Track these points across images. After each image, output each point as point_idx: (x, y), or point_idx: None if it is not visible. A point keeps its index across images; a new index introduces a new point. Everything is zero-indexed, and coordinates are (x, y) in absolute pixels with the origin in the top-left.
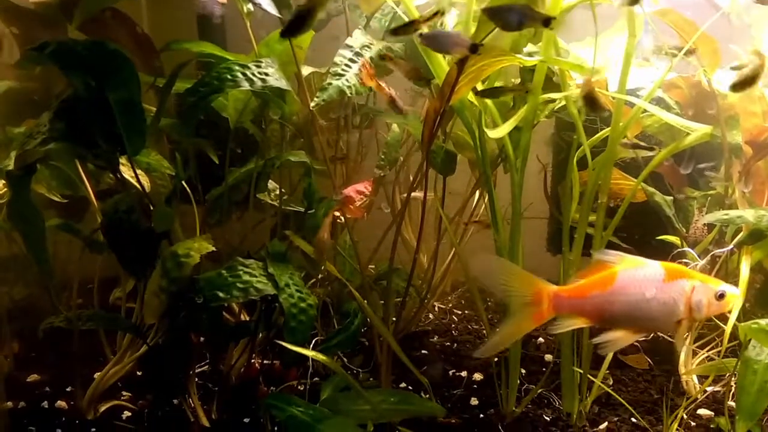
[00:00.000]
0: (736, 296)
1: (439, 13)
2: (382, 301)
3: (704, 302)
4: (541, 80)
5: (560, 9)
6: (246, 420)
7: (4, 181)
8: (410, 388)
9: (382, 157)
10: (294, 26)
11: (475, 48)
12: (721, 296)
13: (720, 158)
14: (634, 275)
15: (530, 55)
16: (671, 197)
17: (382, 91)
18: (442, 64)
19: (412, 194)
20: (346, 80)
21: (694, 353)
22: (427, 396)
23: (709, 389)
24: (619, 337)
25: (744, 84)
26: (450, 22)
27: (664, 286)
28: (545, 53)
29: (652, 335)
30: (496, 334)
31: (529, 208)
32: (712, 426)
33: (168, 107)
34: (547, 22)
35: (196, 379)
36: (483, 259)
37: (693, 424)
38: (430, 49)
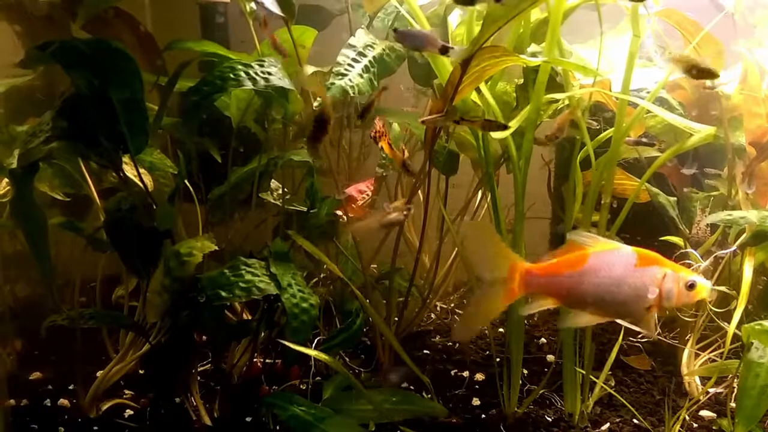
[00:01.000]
0: (706, 288)
1: None
2: (384, 301)
3: (674, 291)
4: (544, 80)
5: (564, 9)
6: (248, 419)
7: (7, 180)
8: (412, 387)
9: (384, 156)
10: (317, 134)
11: (445, 50)
12: (691, 286)
13: (723, 159)
14: (606, 257)
15: (534, 55)
16: (674, 198)
17: (393, 155)
18: (445, 64)
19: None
20: (349, 80)
21: (697, 355)
22: (429, 396)
23: (712, 391)
24: (584, 322)
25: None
26: (454, 21)
27: (635, 271)
28: (548, 53)
29: (655, 336)
30: (467, 315)
31: (531, 208)
32: (714, 428)
33: (171, 106)
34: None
35: (199, 378)
36: (473, 225)
37: (695, 425)
38: (404, 46)
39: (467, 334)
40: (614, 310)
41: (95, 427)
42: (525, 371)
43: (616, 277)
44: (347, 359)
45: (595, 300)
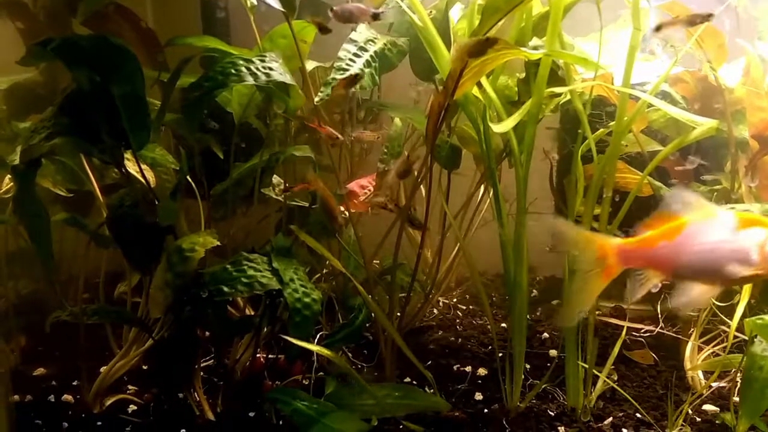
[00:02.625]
0: None
1: None
2: (387, 296)
3: None
4: (545, 74)
5: (565, 2)
6: (251, 414)
7: (9, 176)
8: (414, 382)
9: (385, 151)
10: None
11: (376, 16)
12: None
13: (726, 153)
14: (704, 224)
15: (535, 48)
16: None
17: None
18: (446, 58)
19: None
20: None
21: (700, 349)
22: (432, 391)
23: (715, 385)
24: (696, 296)
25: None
26: (455, 16)
27: (736, 235)
28: (550, 47)
29: (656, 331)
30: (571, 298)
31: (533, 202)
32: (717, 422)
33: (173, 102)
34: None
35: (202, 373)
36: (543, 220)
37: (698, 419)
38: (338, 22)
39: (572, 319)
40: (717, 277)
41: (99, 423)
42: (528, 366)
43: (714, 243)
44: (350, 355)
45: (695, 269)
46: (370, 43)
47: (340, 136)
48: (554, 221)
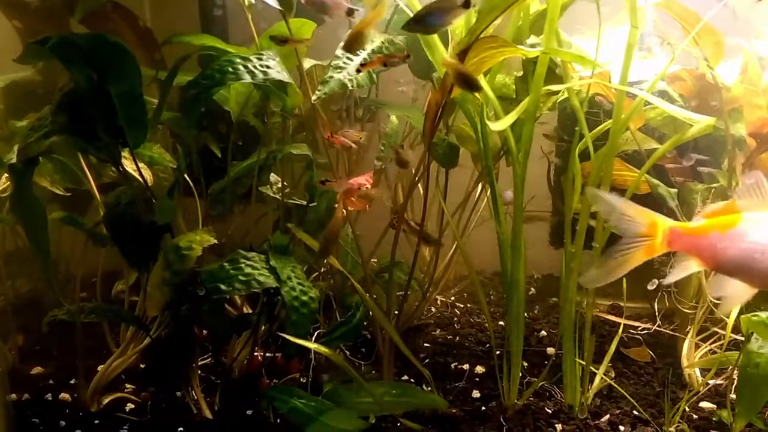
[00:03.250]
0: None
1: None
2: (385, 294)
3: None
4: (543, 72)
5: (562, 0)
6: (248, 412)
7: (7, 175)
8: (412, 380)
9: (382, 148)
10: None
11: (351, 12)
12: None
13: (723, 151)
14: (759, 220)
15: (532, 46)
16: (674, 189)
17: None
18: (444, 56)
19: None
20: (348, 73)
21: (697, 346)
22: (429, 389)
23: (712, 382)
24: (731, 293)
25: None
26: None
27: None
28: (547, 45)
29: (653, 329)
30: (605, 263)
31: (531, 201)
32: (714, 419)
33: (170, 100)
34: (467, 3)
35: (199, 372)
36: (593, 191)
37: (695, 416)
38: (314, 11)
39: (596, 282)
40: (760, 279)
41: (96, 421)
42: (525, 363)
43: (764, 245)
44: (348, 353)
45: (742, 267)
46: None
47: (353, 145)
48: (600, 192)
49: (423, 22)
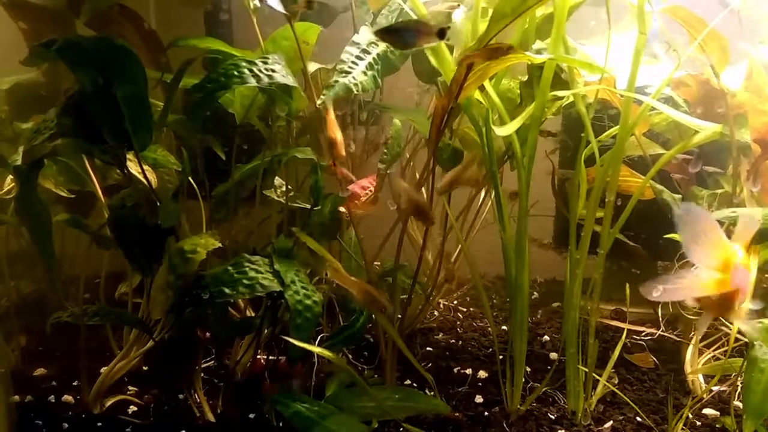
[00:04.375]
0: None
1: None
2: (388, 298)
3: None
4: (549, 77)
5: (569, 5)
6: (251, 415)
7: (11, 176)
8: (415, 385)
9: (385, 152)
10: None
11: (310, 5)
12: None
13: (728, 157)
14: None
15: (539, 52)
16: (679, 195)
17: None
18: (449, 61)
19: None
20: (353, 77)
21: (700, 352)
22: (432, 393)
23: (715, 389)
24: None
25: None
26: (458, 19)
27: None
28: (553, 50)
29: (657, 334)
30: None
31: (535, 205)
32: (717, 426)
33: (175, 103)
34: (441, 33)
35: (202, 375)
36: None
37: (698, 423)
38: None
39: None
40: None
41: (99, 423)
42: (528, 369)
43: None
44: (351, 356)
45: None
46: (373, 45)
47: (354, 178)
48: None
49: (395, 35)
